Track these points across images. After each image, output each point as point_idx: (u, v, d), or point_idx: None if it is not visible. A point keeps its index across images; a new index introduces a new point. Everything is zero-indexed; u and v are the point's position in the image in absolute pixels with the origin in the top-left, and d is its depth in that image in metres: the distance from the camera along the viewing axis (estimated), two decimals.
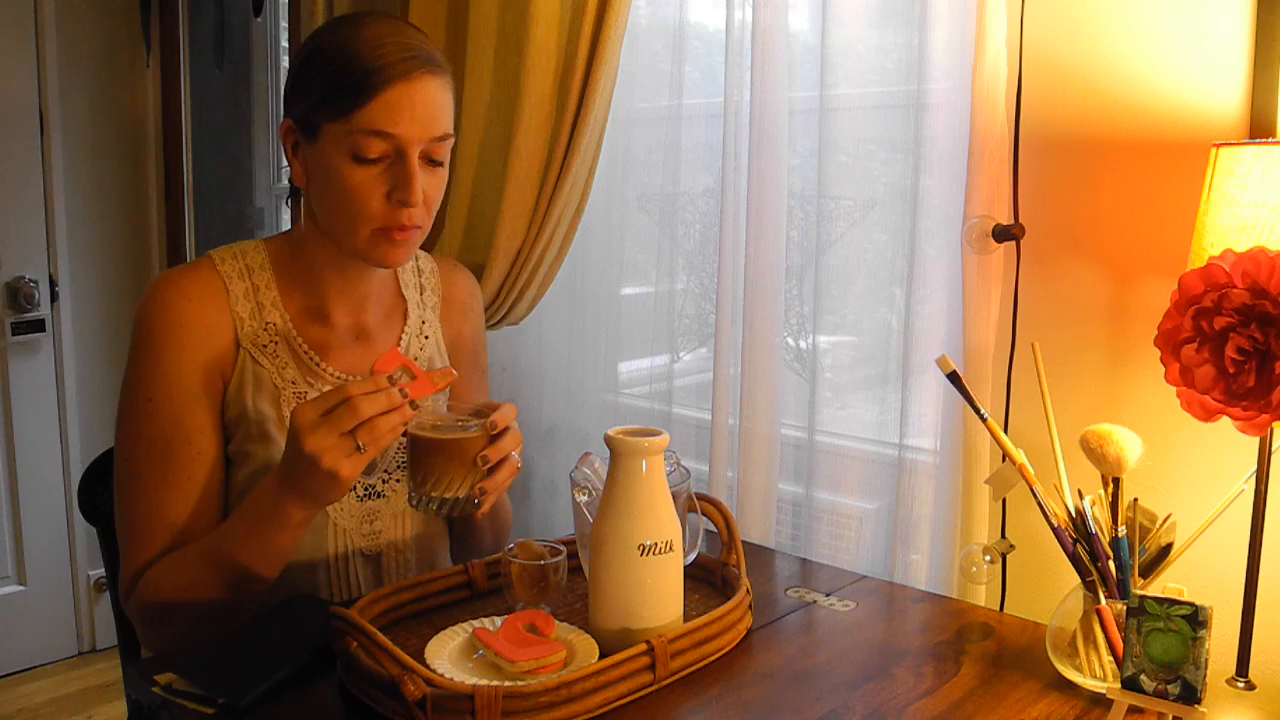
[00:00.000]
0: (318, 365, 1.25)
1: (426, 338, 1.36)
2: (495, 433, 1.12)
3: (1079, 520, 1.04)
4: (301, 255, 1.26)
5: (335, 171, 1.15)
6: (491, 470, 1.12)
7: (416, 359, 1.34)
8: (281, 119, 1.22)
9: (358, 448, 1.04)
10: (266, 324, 1.23)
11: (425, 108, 1.15)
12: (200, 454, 1.19)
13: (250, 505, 1.11)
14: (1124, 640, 0.90)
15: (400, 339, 1.33)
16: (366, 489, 1.27)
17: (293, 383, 1.23)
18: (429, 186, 1.18)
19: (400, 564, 1.30)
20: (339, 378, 1.26)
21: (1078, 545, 1.04)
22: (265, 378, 1.22)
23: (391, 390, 1.05)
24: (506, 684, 0.93)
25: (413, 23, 1.25)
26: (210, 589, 1.13)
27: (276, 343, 1.23)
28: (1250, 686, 1.13)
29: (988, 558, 1.31)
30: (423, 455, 1.13)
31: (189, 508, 1.19)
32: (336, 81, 1.14)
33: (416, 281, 1.38)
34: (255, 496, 1.11)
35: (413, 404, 1.08)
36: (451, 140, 1.20)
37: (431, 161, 1.18)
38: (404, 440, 1.28)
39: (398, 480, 1.29)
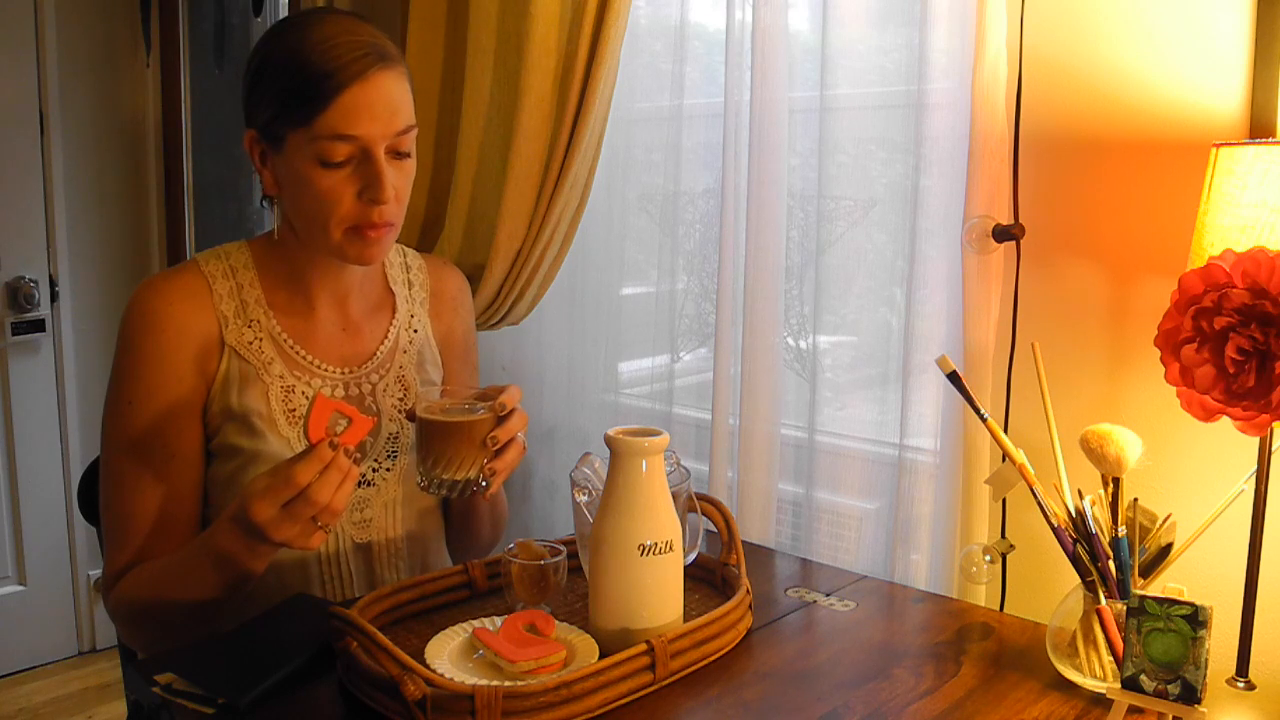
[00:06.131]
0: (304, 359, 1.26)
1: (415, 331, 1.38)
2: (503, 414, 1.14)
3: (1079, 520, 1.04)
4: (283, 253, 1.27)
5: (305, 178, 1.16)
6: (499, 451, 1.14)
7: (405, 351, 1.35)
8: (244, 130, 1.22)
9: (320, 526, 1.05)
10: (251, 321, 1.25)
11: (385, 105, 1.15)
12: (175, 457, 1.21)
13: (223, 537, 1.09)
14: (1124, 640, 0.90)
15: (388, 331, 1.34)
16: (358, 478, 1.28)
17: (280, 377, 1.24)
18: (398, 181, 1.18)
19: (391, 552, 1.30)
20: (325, 369, 1.27)
21: (1078, 545, 1.04)
22: (252, 374, 1.23)
23: (338, 459, 1.04)
24: (506, 684, 0.93)
25: (360, 16, 1.23)
26: (182, 601, 1.14)
27: (261, 339, 1.25)
28: (1250, 686, 1.13)
29: (988, 558, 1.31)
30: (432, 438, 1.14)
31: (165, 510, 1.21)
32: (293, 90, 1.14)
33: (405, 277, 1.39)
34: (228, 533, 1.08)
35: (357, 457, 1.06)
36: (415, 131, 1.20)
37: (398, 155, 1.18)
38: (395, 430, 1.29)
39: (387, 469, 1.29)
